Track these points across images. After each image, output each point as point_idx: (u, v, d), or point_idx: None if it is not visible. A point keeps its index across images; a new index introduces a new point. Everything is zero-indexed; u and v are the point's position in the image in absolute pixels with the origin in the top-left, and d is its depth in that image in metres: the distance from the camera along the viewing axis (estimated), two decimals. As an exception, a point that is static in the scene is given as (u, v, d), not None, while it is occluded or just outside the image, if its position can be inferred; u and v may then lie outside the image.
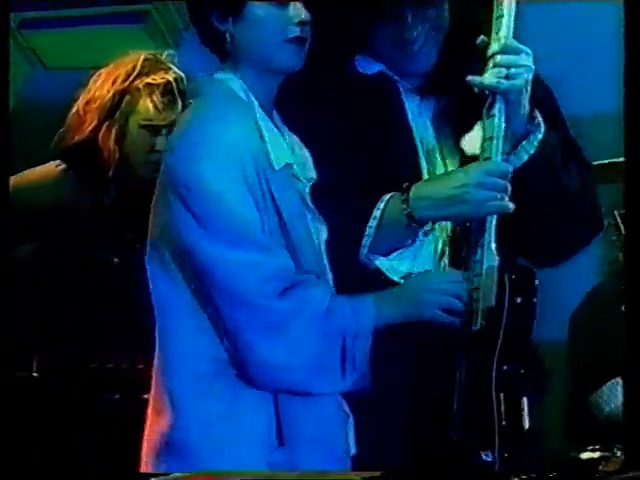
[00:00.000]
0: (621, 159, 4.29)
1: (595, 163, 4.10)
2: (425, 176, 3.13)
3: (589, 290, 4.79)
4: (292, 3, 2.92)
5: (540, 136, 3.05)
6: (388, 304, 2.92)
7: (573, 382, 4.79)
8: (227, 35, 2.92)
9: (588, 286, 4.80)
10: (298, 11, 2.92)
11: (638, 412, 3.25)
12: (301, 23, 2.90)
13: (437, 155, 3.18)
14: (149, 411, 2.99)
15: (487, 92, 2.97)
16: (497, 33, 2.95)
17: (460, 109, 3.12)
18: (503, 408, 3.06)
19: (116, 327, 3.83)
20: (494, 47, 2.94)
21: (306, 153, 3.04)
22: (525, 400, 3.17)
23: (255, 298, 2.84)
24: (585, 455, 4.53)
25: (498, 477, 3.07)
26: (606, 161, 4.33)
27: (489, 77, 2.93)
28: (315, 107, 3.05)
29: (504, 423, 3.08)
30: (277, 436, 2.91)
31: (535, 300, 3.17)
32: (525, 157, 3.04)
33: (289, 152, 2.97)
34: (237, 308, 2.84)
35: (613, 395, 4.70)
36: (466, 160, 3.04)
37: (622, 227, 4.38)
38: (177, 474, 2.87)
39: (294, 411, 2.94)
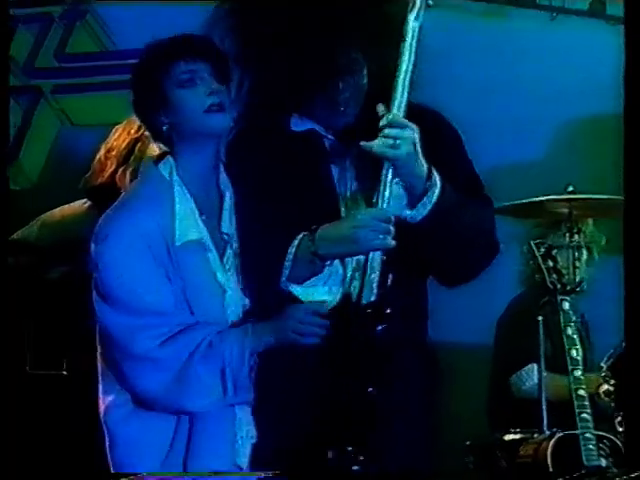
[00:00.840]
0: (542, 198, 4.54)
1: (517, 202, 4.30)
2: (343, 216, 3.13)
3: (511, 299, 4.95)
4: (200, 79, 2.98)
5: (437, 192, 3.00)
6: (264, 333, 2.96)
7: (496, 373, 4.92)
8: (163, 126, 3.01)
9: (511, 296, 4.95)
10: (207, 84, 2.99)
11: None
12: (212, 93, 2.98)
13: (357, 200, 3.12)
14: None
15: (377, 154, 2.94)
16: (392, 105, 2.96)
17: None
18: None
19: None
20: (383, 121, 2.94)
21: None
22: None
23: (142, 352, 2.91)
24: (508, 437, 4.62)
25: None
26: (525, 200, 4.49)
27: (377, 145, 2.93)
28: (253, 160, 3.08)
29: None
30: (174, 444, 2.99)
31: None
32: (425, 212, 3.00)
33: (197, 227, 3.00)
34: (130, 361, 2.93)
35: (529, 377, 4.78)
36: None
37: (537, 253, 4.46)
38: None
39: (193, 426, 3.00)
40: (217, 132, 3.02)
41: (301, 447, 2.98)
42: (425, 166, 3.00)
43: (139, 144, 3.86)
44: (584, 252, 4.83)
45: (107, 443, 3.02)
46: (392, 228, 2.95)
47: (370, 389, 2.97)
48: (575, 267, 4.67)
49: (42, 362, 3.98)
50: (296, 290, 3.03)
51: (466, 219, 3.11)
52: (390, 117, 2.94)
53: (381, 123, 2.93)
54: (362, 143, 2.95)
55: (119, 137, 3.90)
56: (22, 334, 4.01)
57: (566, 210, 4.67)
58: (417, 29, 2.97)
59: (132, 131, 3.88)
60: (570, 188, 4.66)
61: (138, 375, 2.93)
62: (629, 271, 3.46)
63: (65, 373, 3.93)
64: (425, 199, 3.01)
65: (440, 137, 3.12)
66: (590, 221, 4.91)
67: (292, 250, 3.01)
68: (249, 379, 2.95)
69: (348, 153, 3.14)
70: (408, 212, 3.03)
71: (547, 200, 4.60)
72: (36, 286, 3.97)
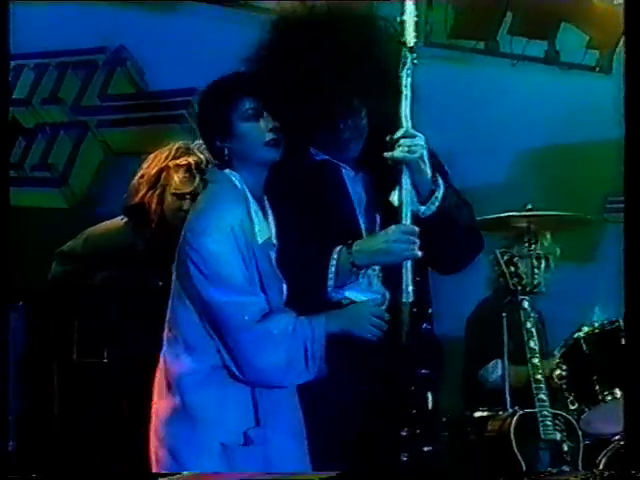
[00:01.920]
0: (504, 214, 4.56)
1: (484, 217, 4.25)
2: (363, 229, 3.15)
3: (479, 300, 4.94)
4: (262, 115, 2.98)
5: (442, 192, 3.07)
6: (335, 320, 2.98)
7: (468, 363, 4.90)
8: (225, 150, 3.01)
9: (479, 298, 4.94)
10: (268, 122, 2.99)
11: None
12: (272, 130, 2.99)
13: (371, 211, 3.16)
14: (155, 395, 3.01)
15: (396, 163, 3.01)
16: (401, 121, 3.02)
17: (382, 177, 3.11)
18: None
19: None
20: (398, 133, 3.00)
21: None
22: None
23: (242, 325, 2.91)
24: (477, 414, 4.61)
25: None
26: (491, 216, 4.48)
27: (397, 152, 3.00)
28: (284, 186, 3.08)
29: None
30: (254, 418, 2.96)
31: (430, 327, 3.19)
32: (434, 208, 3.07)
33: (268, 229, 3.03)
34: (231, 332, 2.92)
35: (494, 370, 4.75)
36: (393, 210, 3.05)
37: (501, 261, 4.46)
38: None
39: (268, 400, 2.98)
40: (271, 162, 3.03)
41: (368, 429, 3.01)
42: (430, 169, 3.07)
43: (164, 173, 3.87)
44: (542, 260, 4.80)
45: (176, 408, 2.95)
46: (418, 240, 3.00)
47: (424, 370, 3.06)
48: (533, 272, 4.65)
49: (86, 352, 3.98)
50: (351, 294, 3.07)
51: (464, 215, 3.18)
52: (404, 129, 3.02)
53: (396, 135, 3.01)
54: (385, 154, 3.01)
55: (149, 166, 3.91)
56: (70, 329, 4.01)
57: (525, 225, 4.67)
58: (410, 84, 3.06)
59: (160, 162, 3.90)
60: (529, 206, 4.67)
61: (244, 348, 2.92)
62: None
63: (106, 361, 3.93)
64: (433, 198, 3.07)
65: (433, 161, 3.17)
66: (548, 234, 4.89)
67: (333, 262, 3.03)
68: (323, 360, 2.95)
69: (358, 177, 3.18)
70: (422, 208, 3.07)
71: (509, 216, 4.61)
72: (81, 289, 3.98)
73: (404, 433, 3.00)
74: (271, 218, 3.07)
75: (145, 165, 3.93)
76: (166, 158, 3.89)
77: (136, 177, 3.93)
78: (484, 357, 4.80)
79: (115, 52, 4.98)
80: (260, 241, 2.99)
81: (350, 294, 3.09)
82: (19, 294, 4.03)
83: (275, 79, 3.04)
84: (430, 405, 3.11)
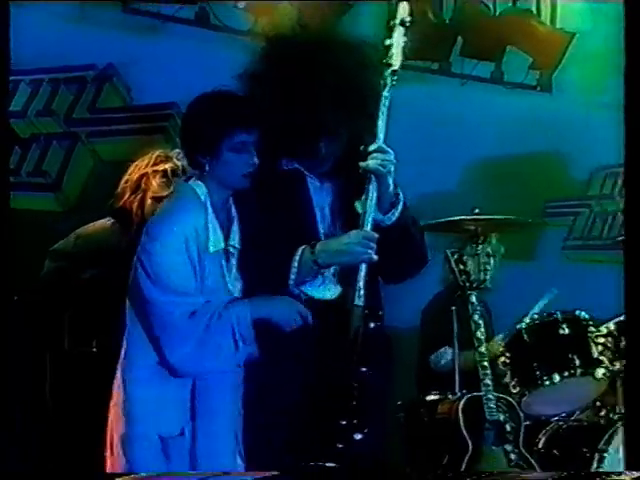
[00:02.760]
0: (455, 218, 4.50)
1: (438, 220, 4.25)
2: (321, 234, 3.12)
3: (434, 294, 4.94)
4: (247, 150, 2.93)
5: (401, 205, 3.08)
6: (259, 305, 2.93)
7: (422, 351, 4.89)
8: (206, 166, 2.96)
9: (433, 292, 4.94)
10: (251, 155, 2.95)
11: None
12: (252, 165, 2.95)
13: (331, 218, 3.14)
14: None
15: (367, 173, 3.00)
16: (376, 137, 3.01)
17: (346, 187, 3.12)
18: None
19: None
20: (373, 147, 2.99)
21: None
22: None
23: (174, 320, 2.86)
24: (429, 398, 4.60)
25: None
26: (443, 220, 4.45)
27: (371, 163, 2.99)
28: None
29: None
30: (191, 413, 2.91)
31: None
32: (394, 219, 3.07)
33: (223, 239, 2.96)
34: (166, 328, 2.88)
35: (443, 357, 4.76)
36: (353, 219, 3.04)
37: (451, 260, 4.44)
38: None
39: (206, 395, 2.92)
40: (242, 188, 2.99)
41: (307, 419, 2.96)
42: (393, 184, 3.06)
43: (144, 178, 3.81)
44: (488, 259, 4.75)
45: (121, 400, 2.94)
46: (375, 246, 2.97)
47: (364, 369, 2.98)
48: (480, 270, 4.60)
49: (76, 342, 3.92)
50: (308, 290, 3.03)
51: (415, 231, 3.17)
52: (378, 144, 3.01)
53: (371, 148, 3.00)
54: (360, 163, 3.00)
55: (132, 172, 3.85)
56: (61, 321, 3.95)
57: (473, 227, 4.63)
58: (388, 98, 3.05)
59: (141, 168, 3.84)
60: (476, 210, 4.62)
61: (170, 342, 2.87)
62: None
63: (95, 350, 3.87)
64: (394, 209, 3.06)
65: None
66: (494, 235, 4.87)
67: (296, 259, 3.00)
68: (252, 337, 2.91)
69: (324, 186, 3.15)
70: (383, 216, 3.05)
71: (459, 219, 4.58)
72: (72, 284, 3.89)
73: (343, 423, 2.95)
74: (236, 223, 3.02)
75: (129, 171, 3.87)
76: (146, 165, 3.83)
77: (122, 182, 3.87)
78: (436, 345, 4.80)
79: (103, 69, 4.94)
80: (212, 250, 2.93)
81: (307, 290, 3.05)
82: (15, 289, 3.86)
83: (266, 100, 3.00)
84: (374, 397, 3.04)
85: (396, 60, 3.06)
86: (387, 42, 3.06)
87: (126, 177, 3.86)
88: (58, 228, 4.21)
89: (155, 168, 3.81)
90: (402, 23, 3.06)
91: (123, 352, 2.98)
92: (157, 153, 3.88)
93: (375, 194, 3.01)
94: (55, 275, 3.93)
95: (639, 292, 3.16)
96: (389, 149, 3.02)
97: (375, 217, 3.02)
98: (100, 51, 4.86)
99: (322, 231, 3.12)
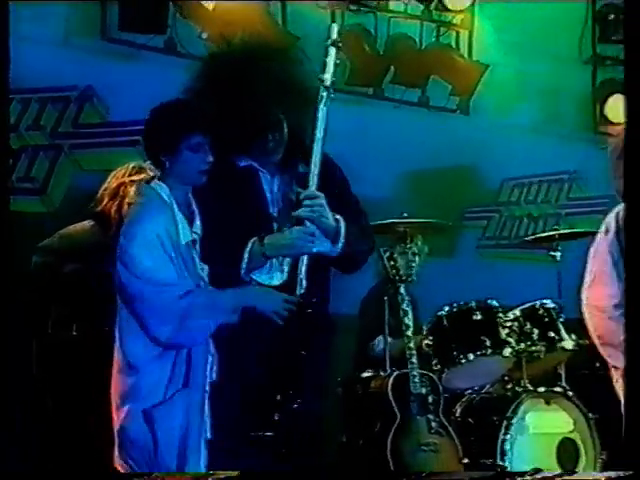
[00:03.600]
0: (387, 221, 4.53)
1: (372, 223, 4.26)
2: (274, 224, 3.05)
3: (371, 286, 4.93)
4: (203, 150, 2.88)
5: (343, 229, 3.00)
6: (222, 296, 2.89)
7: (360, 334, 4.89)
8: (166, 164, 2.92)
9: (370, 284, 4.93)
10: (207, 154, 2.91)
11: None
12: (207, 163, 2.91)
13: (283, 209, 3.07)
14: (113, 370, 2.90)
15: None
16: (308, 185, 2.95)
17: (295, 181, 3.05)
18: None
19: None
20: (302, 195, 2.95)
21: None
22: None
23: (162, 304, 2.82)
24: (364, 375, 4.60)
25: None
26: (377, 222, 4.37)
27: (302, 212, 2.94)
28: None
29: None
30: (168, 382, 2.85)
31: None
32: (340, 245, 3.01)
33: (191, 231, 2.91)
34: (154, 313, 2.83)
35: (378, 345, 4.75)
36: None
37: (383, 257, 4.47)
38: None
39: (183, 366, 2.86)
40: (200, 184, 2.94)
41: (259, 391, 2.92)
42: (331, 215, 2.98)
43: (122, 187, 3.79)
44: (415, 256, 4.75)
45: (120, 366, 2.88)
46: (314, 239, 2.95)
47: (303, 352, 2.96)
48: (408, 266, 4.62)
49: (59, 326, 3.87)
50: (257, 277, 2.98)
51: (359, 230, 3.09)
52: (307, 192, 2.95)
53: (301, 196, 2.95)
54: (293, 212, 2.95)
55: (110, 181, 3.83)
56: (46, 308, 3.90)
57: (402, 229, 4.67)
58: (325, 114, 2.98)
59: (119, 178, 3.82)
60: (405, 215, 4.67)
61: (157, 322, 2.82)
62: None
63: (75, 334, 3.83)
64: (339, 239, 3.00)
65: (338, 180, 3.13)
66: (419, 236, 4.89)
67: (247, 250, 2.95)
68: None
69: (275, 180, 3.09)
70: (332, 248, 3.00)
71: (390, 223, 4.62)
72: (55, 277, 3.87)
73: (279, 398, 2.92)
74: (198, 217, 2.96)
75: (108, 180, 3.84)
76: (123, 175, 3.80)
77: (101, 189, 3.83)
78: (372, 330, 4.80)
79: (84, 90, 4.89)
80: (183, 242, 2.90)
81: (256, 277, 3.00)
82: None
83: (217, 106, 2.94)
84: (313, 374, 3.01)
85: (329, 77, 3.00)
86: (324, 59, 3.01)
87: (105, 185, 3.82)
88: (44, 227, 4.17)
89: (132, 178, 3.77)
90: (333, 43, 3.02)
91: (118, 341, 2.90)
92: (132, 164, 3.84)
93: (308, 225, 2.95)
94: (41, 269, 3.90)
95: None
96: (319, 193, 2.95)
97: (325, 250, 2.98)
98: (82, 74, 4.82)
99: (275, 218, 3.07)
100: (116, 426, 2.88)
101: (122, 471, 2.86)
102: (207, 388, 2.90)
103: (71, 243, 3.88)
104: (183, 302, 2.82)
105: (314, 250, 2.95)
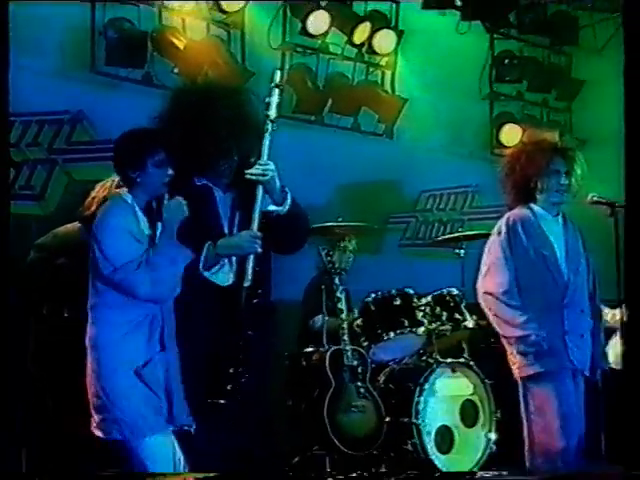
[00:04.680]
0: (325, 224, 4.53)
1: (314, 226, 4.10)
2: (226, 233, 3.05)
3: (312, 277, 4.89)
4: (165, 165, 2.88)
5: (290, 197, 3.03)
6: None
7: (303, 317, 4.85)
8: (137, 179, 2.91)
9: (311, 275, 4.90)
10: (168, 170, 2.90)
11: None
12: (168, 176, 2.91)
13: (233, 220, 3.07)
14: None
15: (254, 179, 2.94)
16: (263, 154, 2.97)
17: (241, 196, 3.05)
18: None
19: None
20: (258, 161, 2.96)
21: None
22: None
23: (133, 273, 2.78)
24: (306, 350, 4.58)
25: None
26: (317, 225, 4.38)
27: (254, 171, 2.95)
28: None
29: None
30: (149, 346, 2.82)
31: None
32: (287, 207, 3.02)
33: (150, 227, 2.91)
34: (121, 278, 2.80)
35: (316, 322, 4.72)
36: (249, 220, 2.99)
37: (322, 253, 4.46)
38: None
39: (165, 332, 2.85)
40: (160, 195, 2.96)
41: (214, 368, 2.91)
42: (280, 185, 3.02)
43: (107, 196, 3.68)
44: (348, 253, 4.84)
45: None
46: (260, 242, 2.95)
47: (250, 332, 2.95)
48: (342, 260, 4.69)
49: (52, 309, 3.82)
50: (207, 275, 2.97)
51: (301, 214, 3.12)
52: (263, 158, 2.96)
53: (256, 162, 2.94)
54: (246, 171, 2.92)
55: (98, 190, 3.72)
56: (42, 294, 3.86)
57: (338, 231, 4.70)
58: (269, 142, 3.01)
59: (106, 189, 3.71)
60: (340, 219, 4.70)
61: (132, 284, 2.80)
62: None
63: (66, 315, 3.78)
64: (285, 201, 3.02)
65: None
66: (352, 236, 4.91)
67: (204, 252, 2.95)
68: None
69: (226, 196, 3.10)
70: (279, 208, 3.00)
71: (329, 225, 4.64)
72: (49, 268, 3.82)
73: (231, 371, 2.91)
74: (159, 226, 2.94)
75: (95, 190, 3.74)
76: (110, 186, 3.68)
77: (88, 198, 3.75)
78: (313, 313, 4.79)
79: (76, 114, 4.85)
80: (146, 232, 2.90)
81: (209, 275, 2.99)
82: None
83: (179, 134, 2.95)
84: (259, 351, 2.99)
85: (273, 112, 3.00)
86: (267, 100, 3.02)
87: (93, 194, 3.73)
88: (41, 228, 4.14)
89: (116, 190, 3.64)
90: (277, 86, 3.04)
91: (90, 318, 2.89)
92: (116, 177, 3.74)
93: (261, 200, 2.94)
94: (37, 262, 3.87)
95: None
96: (269, 162, 2.96)
97: (272, 210, 2.97)
98: (74, 101, 4.78)
99: (227, 230, 3.06)
100: (103, 390, 2.83)
101: (103, 437, 2.80)
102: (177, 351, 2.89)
103: (62, 241, 3.84)
104: (145, 261, 2.79)
105: (260, 251, 2.90)
